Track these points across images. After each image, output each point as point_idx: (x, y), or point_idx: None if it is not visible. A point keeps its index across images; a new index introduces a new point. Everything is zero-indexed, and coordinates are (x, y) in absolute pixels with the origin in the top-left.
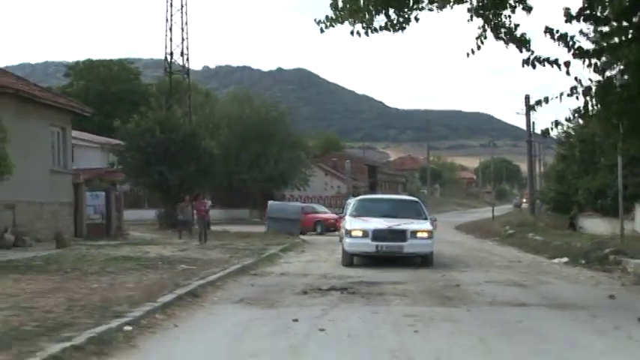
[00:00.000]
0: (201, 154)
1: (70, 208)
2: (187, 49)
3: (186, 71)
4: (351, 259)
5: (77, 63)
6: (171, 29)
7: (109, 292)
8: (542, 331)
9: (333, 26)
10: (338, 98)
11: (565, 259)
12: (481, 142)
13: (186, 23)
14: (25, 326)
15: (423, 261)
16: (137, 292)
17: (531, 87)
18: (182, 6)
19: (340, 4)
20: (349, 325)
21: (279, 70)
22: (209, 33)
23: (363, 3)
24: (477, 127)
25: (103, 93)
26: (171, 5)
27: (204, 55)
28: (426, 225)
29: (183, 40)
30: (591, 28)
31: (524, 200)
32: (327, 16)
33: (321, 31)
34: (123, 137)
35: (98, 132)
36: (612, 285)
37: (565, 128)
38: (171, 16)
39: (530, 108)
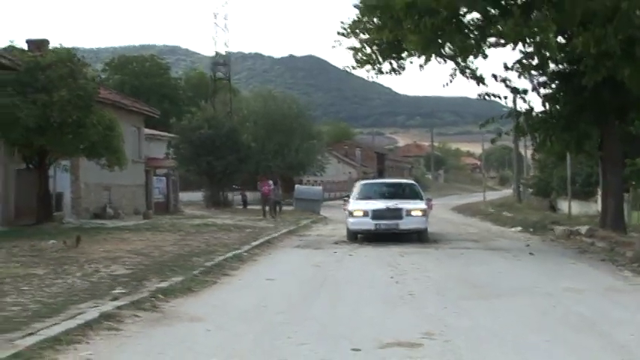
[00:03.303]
0: (240, 147)
1: (143, 189)
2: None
3: (228, 76)
4: (354, 236)
5: (112, 59)
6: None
7: (217, 240)
8: (473, 257)
9: (356, 69)
10: (348, 85)
11: (519, 228)
12: (488, 129)
13: (226, 23)
14: (189, 253)
15: (418, 237)
16: (234, 241)
17: None
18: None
19: (359, 56)
20: (365, 253)
21: (291, 57)
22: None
23: (373, 55)
24: (484, 113)
25: (137, 87)
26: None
27: (216, 42)
28: (421, 205)
29: (225, 44)
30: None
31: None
32: (351, 66)
33: (348, 72)
34: (177, 132)
35: None
36: (536, 242)
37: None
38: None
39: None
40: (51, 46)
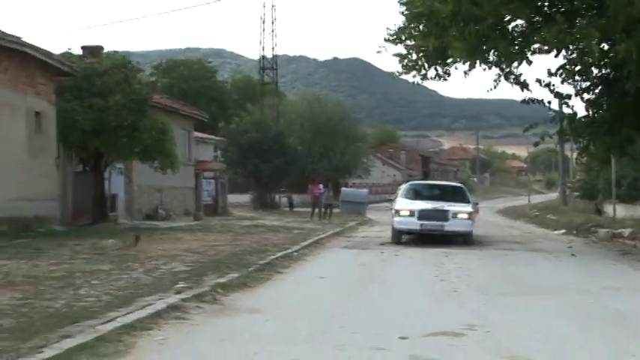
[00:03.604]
0: (286, 150)
1: (192, 192)
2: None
3: (274, 81)
4: (399, 236)
5: (161, 63)
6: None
7: (267, 241)
8: (515, 258)
9: (402, 75)
10: (393, 87)
11: (563, 231)
12: (534, 131)
13: (274, 28)
14: (242, 252)
15: (464, 239)
16: (284, 241)
17: None
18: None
19: (405, 62)
20: (411, 254)
21: (335, 59)
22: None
23: (419, 61)
24: (531, 116)
25: (185, 90)
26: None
27: (264, 46)
28: (467, 208)
29: (273, 49)
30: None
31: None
32: (397, 71)
33: (394, 78)
34: (225, 135)
35: None
36: (579, 244)
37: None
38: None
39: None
40: (104, 51)
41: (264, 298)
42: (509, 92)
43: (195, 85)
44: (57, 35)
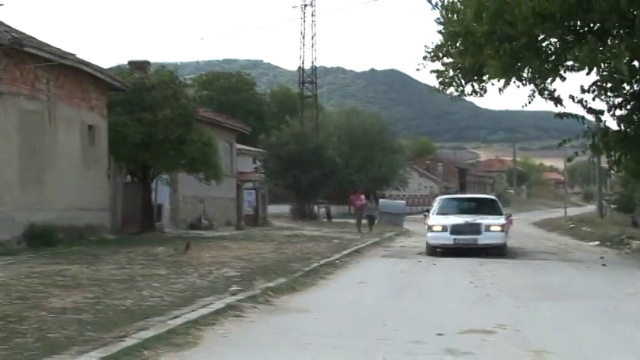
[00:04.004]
0: (325, 162)
1: (234, 202)
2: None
3: (314, 93)
4: (433, 250)
5: (201, 75)
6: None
7: (309, 249)
8: (547, 267)
9: (440, 91)
10: (429, 99)
11: (597, 242)
12: (572, 143)
13: (313, 42)
14: (287, 260)
15: (498, 252)
16: (325, 250)
17: None
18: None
19: (442, 79)
20: (448, 263)
21: (372, 71)
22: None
23: (456, 78)
24: (568, 128)
25: (224, 102)
26: (303, 36)
27: (298, 56)
28: (500, 220)
29: (312, 62)
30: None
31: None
32: (435, 87)
33: (432, 93)
34: (265, 147)
35: None
36: (611, 255)
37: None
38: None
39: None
40: (152, 66)
41: (311, 300)
42: (546, 104)
43: (234, 97)
44: (99, 47)
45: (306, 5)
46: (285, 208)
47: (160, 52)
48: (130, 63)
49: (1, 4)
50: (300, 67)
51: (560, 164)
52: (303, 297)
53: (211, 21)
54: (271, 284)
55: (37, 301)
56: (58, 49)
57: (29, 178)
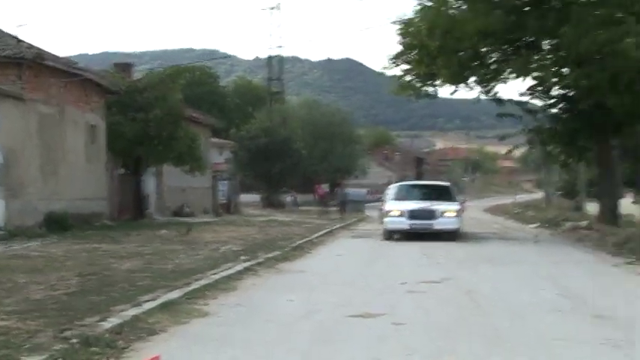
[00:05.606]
0: (292, 153)
1: (210, 191)
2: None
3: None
4: (390, 235)
5: (165, 69)
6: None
7: (288, 232)
8: (490, 244)
9: (398, 94)
10: (385, 88)
11: (537, 224)
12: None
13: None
14: (273, 239)
15: (451, 236)
16: (302, 232)
17: None
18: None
19: (400, 83)
20: (407, 243)
21: (328, 60)
22: (260, 25)
23: (413, 82)
24: (525, 116)
25: (188, 95)
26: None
27: (255, 45)
28: (454, 206)
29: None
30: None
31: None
32: (394, 91)
33: (393, 94)
34: (235, 140)
35: None
36: (546, 234)
37: None
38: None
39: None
40: (135, 68)
41: (304, 266)
42: (503, 92)
43: (198, 90)
44: (54, 37)
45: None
46: (254, 197)
47: (115, 42)
48: (116, 65)
49: (24, 24)
50: (268, 62)
51: (515, 152)
52: (297, 264)
53: (168, 10)
54: (270, 255)
55: (104, 266)
56: (67, 59)
57: (47, 173)
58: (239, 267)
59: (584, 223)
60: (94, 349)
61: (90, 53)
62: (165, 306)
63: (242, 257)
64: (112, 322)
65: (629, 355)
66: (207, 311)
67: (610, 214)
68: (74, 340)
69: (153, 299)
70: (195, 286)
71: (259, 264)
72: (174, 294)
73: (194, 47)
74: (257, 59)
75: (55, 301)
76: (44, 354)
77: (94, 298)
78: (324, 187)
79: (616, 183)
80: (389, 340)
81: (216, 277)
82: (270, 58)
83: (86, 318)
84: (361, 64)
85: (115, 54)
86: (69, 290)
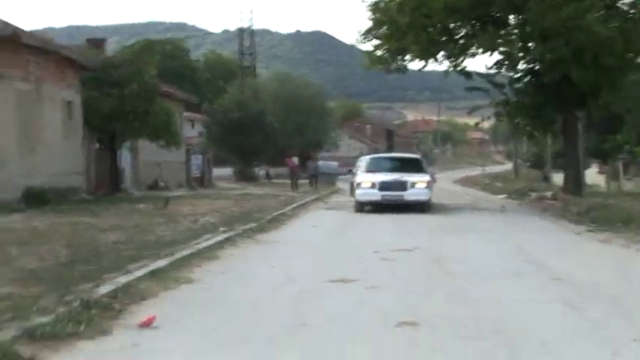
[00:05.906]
0: (265, 127)
1: (183, 165)
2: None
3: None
4: (361, 207)
5: (134, 44)
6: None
7: (262, 205)
8: (459, 214)
9: (369, 69)
10: (356, 60)
11: (505, 195)
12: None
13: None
14: (249, 211)
15: (421, 207)
16: (276, 205)
17: None
18: None
19: (371, 57)
20: (379, 214)
21: (298, 33)
22: None
23: (383, 57)
24: (493, 89)
25: (161, 70)
26: None
27: (224, 18)
28: (425, 177)
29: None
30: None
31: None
32: (365, 65)
33: (365, 68)
34: (209, 114)
35: None
36: (513, 204)
37: None
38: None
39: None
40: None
41: (280, 236)
42: (472, 66)
43: (170, 64)
44: (18, 9)
45: None
46: (226, 171)
47: (81, 15)
48: (89, 40)
49: None
50: (240, 35)
51: (485, 123)
52: (273, 235)
53: None
54: (247, 227)
55: (90, 238)
56: (42, 36)
57: (25, 149)
58: (219, 237)
59: (549, 193)
60: (94, 311)
61: (56, 27)
62: (153, 274)
63: (221, 229)
64: (107, 288)
65: (583, 314)
66: (193, 278)
67: (574, 185)
68: (75, 304)
69: (141, 267)
70: (179, 255)
71: (238, 235)
72: (161, 262)
73: (163, 20)
74: (226, 32)
75: (49, 270)
76: (52, 315)
77: (85, 267)
78: (295, 160)
79: (580, 154)
80: (365, 301)
81: (199, 247)
82: (241, 30)
83: (81, 285)
84: (332, 37)
85: (81, 27)
86: (60, 261)
